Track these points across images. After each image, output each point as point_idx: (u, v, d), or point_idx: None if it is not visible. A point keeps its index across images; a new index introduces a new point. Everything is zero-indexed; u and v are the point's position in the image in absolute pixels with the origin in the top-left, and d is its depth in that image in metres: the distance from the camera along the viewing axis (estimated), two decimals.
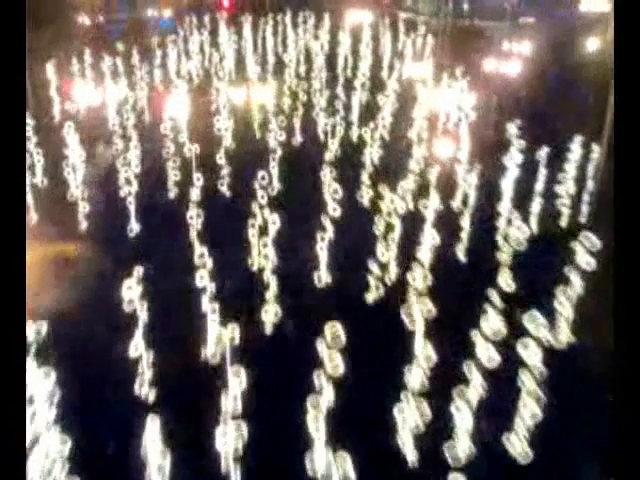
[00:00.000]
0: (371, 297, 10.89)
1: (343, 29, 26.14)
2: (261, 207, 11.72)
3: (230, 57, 24.05)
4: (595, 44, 27.47)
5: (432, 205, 12.62)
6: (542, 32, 28.82)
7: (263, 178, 12.15)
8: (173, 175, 14.73)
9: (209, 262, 9.90)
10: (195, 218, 12.02)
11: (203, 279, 9.61)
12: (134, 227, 12.90)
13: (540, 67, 25.88)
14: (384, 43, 26.44)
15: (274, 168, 14.78)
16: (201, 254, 10.04)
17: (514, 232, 12.18)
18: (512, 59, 26.30)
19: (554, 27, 28.96)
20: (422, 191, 13.72)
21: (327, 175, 14.47)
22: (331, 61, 24.73)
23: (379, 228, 11.87)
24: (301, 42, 26.11)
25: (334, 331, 7.44)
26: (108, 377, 8.85)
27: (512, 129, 15.63)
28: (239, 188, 14.25)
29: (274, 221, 11.37)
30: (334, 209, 12.34)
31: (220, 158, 15.11)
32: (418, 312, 10.10)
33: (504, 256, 11.24)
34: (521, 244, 11.69)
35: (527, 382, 7.69)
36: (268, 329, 10.06)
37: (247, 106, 20.02)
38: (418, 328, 8.66)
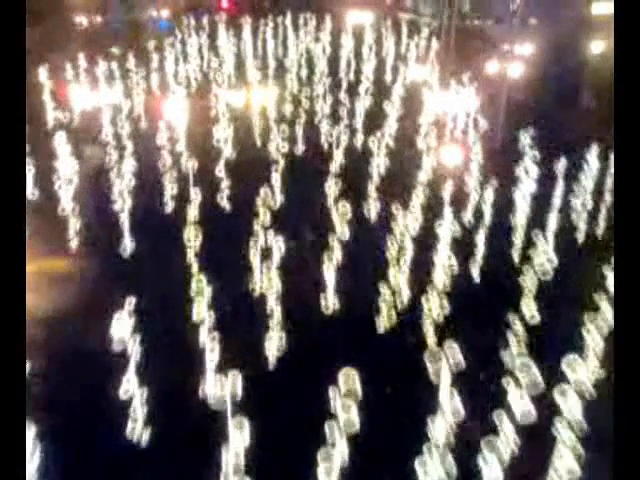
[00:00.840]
0: (383, 326, 9.92)
1: (345, 31, 25.26)
2: (264, 226, 10.87)
3: (229, 60, 23.11)
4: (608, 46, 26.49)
5: (444, 221, 11.77)
6: (550, 34, 27.90)
7: (266, 196, 11.24)
8: (170, 187, 13.77)
9: (207, 287, 9.02)
10: (192, 239, 11.07)
11: (201, 308, 8.75)
12: (128, 246, 11.91)
13: (548, 70, 25.00)
14: (386, 45, 25.57)
15: (277, 181, 13.85)
16: (199, 278, 9.12)
17: (532, 251, 11.37)
18: (519, 62, 25.47)
19: (562, 29, 28.03)
20: (433, 205, 12.87)
21: (332, 187, 13.63)
22: (333, 65, 23.82)
23: (389, 247, 10.97)
24: (302, 45, 25.20)
25: (349, 380, 6.54)
26: (96, 424, 7.92)
27: (521, 135, 14.93)
28: (240, 202, 13.34)
29: (277, 241, 10.53)
30: (340, 226, 11.46)
31: (220, 171, 14.19)
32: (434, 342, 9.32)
33: (524, 279, 10.37)
34: (542, 266, 10.84)
35: (563, 432, 6.80)
36: (272, 363, 9.11)
37: (247, 112, 19.10)
38: (434, 360, 7.77)
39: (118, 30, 30.85)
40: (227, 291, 9.55)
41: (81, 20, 32.51)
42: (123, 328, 8.02)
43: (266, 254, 10.45)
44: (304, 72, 22.94)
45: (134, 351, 7.95)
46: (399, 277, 10.43)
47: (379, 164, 14.74)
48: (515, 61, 25.73)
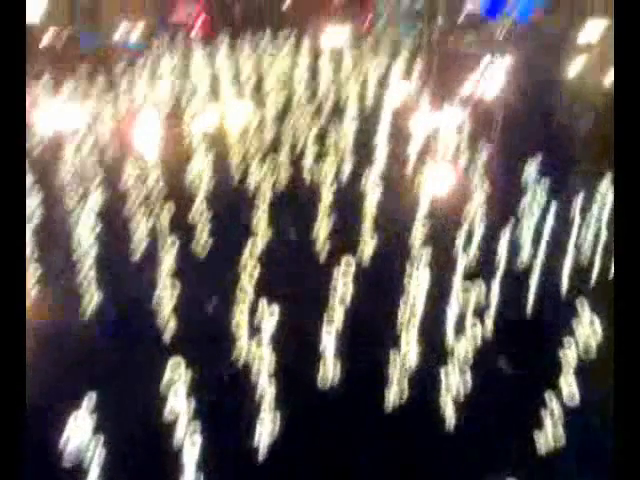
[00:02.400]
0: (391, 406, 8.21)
1: (323, 52, 23.78)
2: (250, 279, 9.23)
3: (204, 84, 21.37)
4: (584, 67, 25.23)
5: (450, 268, 10.27)
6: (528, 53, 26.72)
7: (248, 241, 9.58)
8: (140, 233, 11.92)
9: (185, 366, 7.31)
10: (167, 299, 9.33)
11: (177, 396, 7.04)
12: (90, 307, 9.92)
13: (528, 90, 23.71)
14: (367, 66, 24.11)
15: (259, 221, 12.19)
16: (176, 361, 7.37)
17: (548, 303, 9.93)
18: (499, 80, 24.32)
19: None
20: (435, 249, 11.31)
21: (322, 229, 12.05)
22: (314, 88, 22.27)
23: (393, 303, 9.35)
24: (280, 66, 23.58)
25: None
26: None
27: (517, 161, 13.66)
28: (219, 250, 11.67)
29: (266, 297, 8.85)
30: (334, 278, 9.77)
31: (196, 210, 12.44)
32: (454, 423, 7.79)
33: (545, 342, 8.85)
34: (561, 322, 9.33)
35: None
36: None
37: (224, 140, 17.41)
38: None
39: (86, 48, 29.12)
40: (208, 368, 7.85)
41: (44, 38, 30.60)
42: (81, 429, 6.35)
43: (254, 317, 8.75)
44: (283, 97, 21.30)
45: (95, 458, 6.28)
46: (409, 340, 8.77)
47: (370, 201, 13.07)
48: (494, 79, 24.62)
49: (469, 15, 31.47)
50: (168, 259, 10.02)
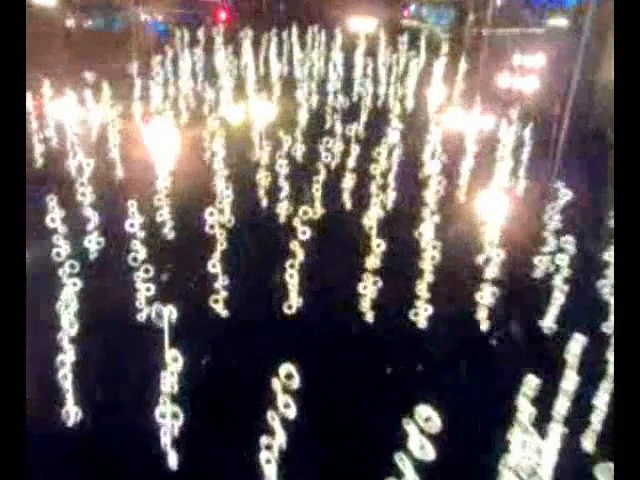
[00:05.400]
0: None
1: (357, 46, 20.75)
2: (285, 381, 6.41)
3: (227, 84, 18.48)
4: None
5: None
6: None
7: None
8: (143, 286, 9.08)
9: None
10: (170, 411, 6.54)
11: None
12: (72, 413, 7.22)
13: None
14: (405, 62, 21.04)
15: (292, 278, 9.30)
16: None
17: None
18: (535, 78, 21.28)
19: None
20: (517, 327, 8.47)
21: (369, 292, 9.23)
22: (348, 90, 19.29)
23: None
24: (311, 64, 20.61)
25: None
26: None
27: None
28: (244, 310, 8.95)
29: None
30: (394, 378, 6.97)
31: (214, 264, 9.44)
32: None
33: None
34: None
35: None
36: None
37: (249, 153, 14.61)
38: None
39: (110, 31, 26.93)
40: None
41: (70, 23, 28.14)
42: None
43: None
44: (315, 102, 18.35)
45: None
46: None
47: (427, 244, 10.02)
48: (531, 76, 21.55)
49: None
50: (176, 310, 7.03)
